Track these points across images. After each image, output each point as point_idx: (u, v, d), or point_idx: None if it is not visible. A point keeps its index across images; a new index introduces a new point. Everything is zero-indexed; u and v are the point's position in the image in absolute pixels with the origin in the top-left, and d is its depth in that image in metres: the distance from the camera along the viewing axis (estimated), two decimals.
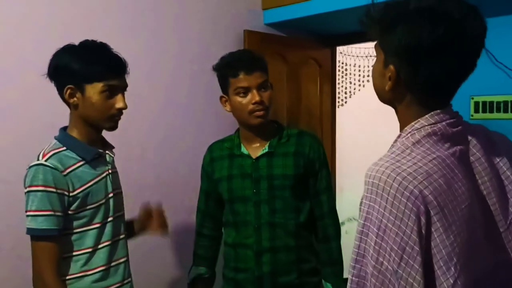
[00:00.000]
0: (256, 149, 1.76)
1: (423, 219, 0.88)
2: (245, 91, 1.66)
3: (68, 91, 1.43)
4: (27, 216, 1.39)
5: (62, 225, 1.40)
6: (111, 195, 1.54)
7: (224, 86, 1.73)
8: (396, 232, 0.88)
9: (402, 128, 1.03)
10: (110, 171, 1.55)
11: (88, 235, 1.47)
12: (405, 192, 0.88)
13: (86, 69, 1.41)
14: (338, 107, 3.89)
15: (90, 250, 1.47)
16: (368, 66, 4.46)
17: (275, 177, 1.72)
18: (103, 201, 1.50)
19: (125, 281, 1.57)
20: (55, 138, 1.49)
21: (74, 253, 1.46)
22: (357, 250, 0.94)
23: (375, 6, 1.01)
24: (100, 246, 1.49)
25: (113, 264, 1.53)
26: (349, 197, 3.65)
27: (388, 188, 0.89)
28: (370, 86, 5.12)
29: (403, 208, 0.88)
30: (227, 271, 1.83)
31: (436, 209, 0.89)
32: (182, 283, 2.52)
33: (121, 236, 1.59)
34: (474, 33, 0.93)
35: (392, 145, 1.02)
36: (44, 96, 1.98)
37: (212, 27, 2.69)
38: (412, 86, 0.99)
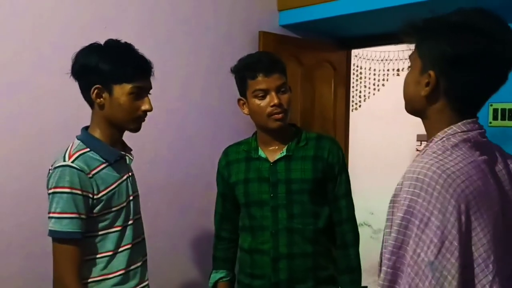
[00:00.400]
0: (273, 153, 1.72)
1: (463, 217, 0.94)
2: (264, 93, 1.64)
3: (96, 91, 1.41)
4: (51, 217, 1.37)
5: (85, 228, 1.39)
6: (131, 197, 1.52)
7: (242, 88, 1.70)
8: (438, 226, 0.93)
9: (431, 134, 1.10)
10: (130, 173, 1.54)
11: (109, 238, 1.45)
12: (449, 189, 0.95)
13: (116, 69, 1.40)
14: (352, 110, 3.86)
15: (110, 253, 1.45)
16: (383, 70, 4.41)
17: (293, 181, 1.68)
18: (125, 204, 1.48)
19: (143, 284, 1.56)
20: (78, 138, 1.47)
21: (95, 256, 1.44)
22: (393, 242, 0.97)
23: (417, 16, 1.10)
24: (120, 249, 1.47)
25: (132, 267, 1.51)
26: (361, 202, 3.60)
27: (434, 184, 0.95)
28: (385, 91, 5.10)
29: (447, 205, 0.94)
30: (242, 276, 1.79)
31: (474, 208, 0.96)
32: (196, 284, 2.53)
33: (140, 239, 1.57)
34: (510, 48, 1.02)
35: (424, 149, 1.08)
36: (57, 95, 2.00)
37: (227, 28, 2.68)
38: (449, 93, 1.05)
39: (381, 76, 4.41)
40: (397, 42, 3.56)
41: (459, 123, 1.05)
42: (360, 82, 4.34)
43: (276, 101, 1.62)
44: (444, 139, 1.05)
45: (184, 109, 2.51)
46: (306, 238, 1.68)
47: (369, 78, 4.39)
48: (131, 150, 1.58)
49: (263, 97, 1.64)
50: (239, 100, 1.74)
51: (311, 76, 3.13)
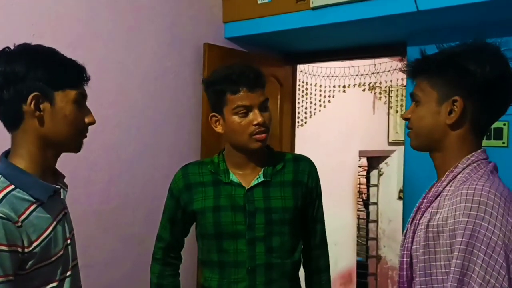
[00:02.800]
0: (247, 177, 1.53)
1: None
2: (246, 110, 1.45)
3: (34, 100, 1.10)
4: None
5: None
6: (68, 241, 1.22)
7: (219, 103, 1.49)
8: (505, 250, 0.94)
9: (448, 165, 1.12)
10: (66, 210, 1.24)
11: None
12: (509, 213, 0.97)
13: (56, 72, 1.13)
14: (298, 127, 3.82)
15: None
16: (329, 86, 4.43)
17: (273, 210, 1.51)
18: (62, 251, 1.18)
19: None
20: None
21: None
22: (460, 270, 0.96)
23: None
24: None
25: None
26: None
27: (497, 207, 0.97)
28: (331, 107, 5.12)
29: (510, 228, 0.96)
30: None
31: None
32: None
33: None
34: None
35: (453, 176, 1.10)
36: None
37: (169, 39, 2.57)
38: (475, 118, 1.10)
39: (327, 92, 4.42)
40: (343, 59, 3.59)
41: (479, 151, 1.11)
42: (306, 98, 4.33)
43: (260, 119, 1.45)
44: (475, 165, 1.09)
45: (122, 126, 2.35)
46: (284, 274, 1.54)
47: (315, 94, 4.39)
48: (63, 177, 1.27)
49: (245, 115, 1.45)
50: (212, 116, 1.53)
51: None
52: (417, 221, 1.12)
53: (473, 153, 1.11)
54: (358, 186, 5.84)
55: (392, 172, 5.73)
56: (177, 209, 1.60)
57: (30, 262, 1.08)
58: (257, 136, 1.46)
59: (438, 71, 1.13)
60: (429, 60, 1.15)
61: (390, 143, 5.48)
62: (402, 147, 3.77)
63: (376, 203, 5.89)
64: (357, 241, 5.63)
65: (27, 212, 1.09)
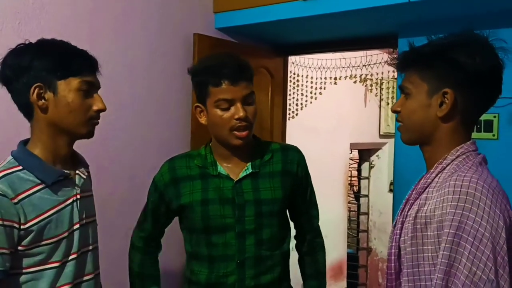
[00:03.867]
0: (235, 169, 1.50)
1: (506, 233, 0.96)
2: (228, 104, 1.41)
3: (36, 90, 1.17)
4: None
5: (8, 265, 1.13)
6: (76, 226, 1.25)
7: (202, 95, 1.46)
8: (492, 242, 0.94)
9: (437, 157, 1.11)
10: (78, 195, 1.27)
11: (42, 276, 1.18)
12: (497, 204, 0.97)
13: (59, 62, 1.19)
14: (289, 119, 3.81)
15: None
16: (321, 78, 4.41)
17: (263, 202, 1.48)
18: (66, 234, 1.22)
19: None
20: (12, 154, 1.22)
21: None
22: (447, 261, 0.96)
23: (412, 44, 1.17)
24: None
25: None
26: None
27: (485, 198, 0.97)
28: (322, 99, 5.10)
29: (497, 219, 0.96)
30: None
31: (510, 224, 0.99)
32: None
33: (86, 278, 1.29)
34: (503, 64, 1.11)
35: (442, 167, 1.09)
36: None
37: (159, 29, 2.53)
38: (466, 109, 1.10)
39: (318, 84, 4.40)
40: (334, 50, 3.58)
41: (468, 143, 1.11)
42: (297, 90, 4.31)
43: (241, 114, 1.40)
44: (464, 156, 1.08)
45: (109, 117, 2.30)
46: (274, 266, 1.51)
47: (306, 86, 4.37)
48: (86, 165, 1.35)
49: (227, 109, 1.41)
50: (196, 107, 1.51)
51: None
52: (406, 213, 1.12)
53: (462, 144, 1.11)
54: (349, 178, 5.84)
55: (383, 164, 5.74)
56: (160, 203, 1.58)
57: (26, 239, 1.15)
58: (236, 132, 1.42)
59: (428, 63, 1.12)
60: (418, 52, 1.14)
61: (381, 136, 5.48)
62: (393, 140, 3.76)
63: (367, 196, 5.91)
64: (348, 233, 5.65)
65: (29, 192, 1.16)
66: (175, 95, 2.64)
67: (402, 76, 1.20)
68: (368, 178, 5.90)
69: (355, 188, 6.34)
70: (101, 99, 1.27)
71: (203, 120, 1.49)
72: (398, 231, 1.13)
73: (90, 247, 1.33)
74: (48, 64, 1.19)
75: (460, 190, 0.99)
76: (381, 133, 5.47)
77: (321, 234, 1.70)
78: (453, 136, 1.11)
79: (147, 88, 2.48)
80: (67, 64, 1.20)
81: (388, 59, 1.27)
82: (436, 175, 1.10)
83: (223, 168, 1.51)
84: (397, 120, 1.21)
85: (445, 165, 1.10)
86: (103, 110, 1.27)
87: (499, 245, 0.94)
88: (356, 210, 6.07)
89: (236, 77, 1.41)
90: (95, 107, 1.26)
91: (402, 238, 1.10)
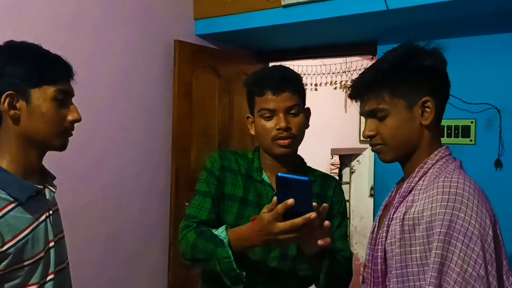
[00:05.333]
0: None
1: (492, 231, 1.00)
2: (271, 114, 1.42)
3: (8, 99, 1.08)
4: None
5: None
6: (51, 244, 1.17)
7: (250, 105, 1.50)
8: (481, 239, 0.97)
9: (417, 164, 1.14)
10: (50, 211, 1.18)
11: None
12: (483, 203, 1.01)
13: (33, 69, 1.10)
14: None
15: None
16: None
17: None
18: (42, 254, 1.13)
19: None
20: None
21: None
22: (439, 260, 0.98)
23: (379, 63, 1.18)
24: None
25: None
26: None
27: (472, 198, 1.00)
28: None
29: (485, 218, 0.99)
30: None
31: (497, 223, 1.04)
32: None
33: None
34: None
35: (424, 171, 1.12)
36: None
37: (138, 35, 2.52)
38: (441, 115, 1.15)
39: None
40: (314, 57, 3.60)
41: (444, 148, 1.15)
42: None
43: (283, 124, 1.40)
44: (444, 160, 1.12)
45: (89, 123, 2.29)
46: (291, 286, 1.48)
47: None
48: (53, 178, 1.25)
49: (270, 118, 1.43)
50: (247, 117, 1.53)
51: (229, 88, 3.04)
52: (391, 216, 1.13)
53: (439, 149, 1.14)
54: None
55: (364, 169, 5.78)
56: (217, 185, 1.49)
57: (4, 263, 1.04)
58: (279, 141, 1.43)
59: (400, 79, 1.12)
60: (384, 71, 1.14)
61: (361, 141, 5.53)
62: None
63: (348, 201, 5.94)
64: None
65: (3, 211, 1.05)
66: (155, 102, 2.63)
67: (360, 101, 1.19)
68: (349, 183, 5.94)
69: None
70: (76, 109, 1.19)
71: (252, 131, 1.52)
72: (384, 234, 1.14)
73: (65, 264, 1.25)
74: (21, 71, 1.10)
75: (449, 191, 1.01)
76: (361, 139, 5.51)
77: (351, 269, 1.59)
78: (432, 141, 1.15)
79: (127, 95, 2.46)
80: (42, 71, 1.12)
81: (349, 92, 1.23)
82: (420, 178, 1.12)
83: (267, 176, 1.51)
84: (373, 143, 1.20)
85: (426, 169, 1.12)
86: (79, 120, 1.19)
87: (487, 243, 0.98)
88: None
89: (279, 87, 1.42)
90: (70, 117, 1.17)
91: (388, 241, 1.12)
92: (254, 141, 3.22)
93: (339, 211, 1.58)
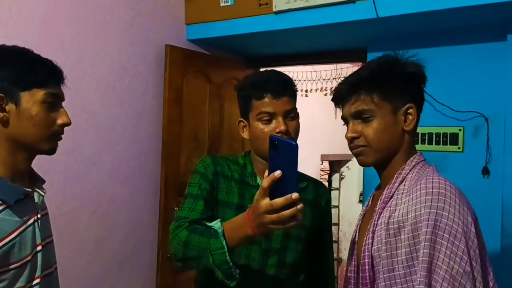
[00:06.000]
0: None
1: (474, 228, 1.03)
2: (270, 117, 1.43)
3: None
4: None
5: None
6: (39, 247, 1.16)
7: (245, 109, 1.49)
8: (465, 237, 1.00)
9: (396, 169, 1.17)
10: (39, 215, 1.17)
11: None
12: (464, 202, 1.05)
13: (23, 72, 1.10)
14: None
15: None
16: None
17: None
18: (29, 257, 1.12)
19: None
20: None
21: None
22: (427, 259, 1.01)
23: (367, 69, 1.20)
24: None
25: None
26: None
27: (454, 197, 1.03)
28: None
29: (466, 216, 1.03)
30: None
31: (477, 220, 1.08)
32: None
33: None
34: None
35: (402, 177, 1.15)
36: None
37: (129, 40, 2.51)
38: (419, 118, 1.18)
39: None
40: (305, 63, 3.62)
41: (418, 154, 1.19)
42: None
43: (283, 127, 1.41)
44: (421, 165, 1.16)
45: (79, 127, 2.28)
46: None
47: None
48: (43, 182, 1.25)
49: (269, 122, 1.43)
50: (239, 121, 1.53)
51: (219, 94, 3.04)
52: (375, 222, 1.14)
53: (415, 155, 1.18)
54: None
55: (353, 175, 5.80)
56: (211, 189, 1.48)
57: None
58: None
59: (392, 83, 1.15)
60: (375, 73, 1.17)
61: None
62: None
63: (337, 206, 5.96)
64: None
65: None
66: (146, 106, 2.62)
67: (350, 102, 1.19)
68: (338, 189, 5.96)
69: None
70: (66, 113, 1.18)
71: (245, 134, 1.51)
72: (369, 241, 1.15)
73: (52, 268, 1.24)
74: (11, 74, 1.10)
75: (432, 191, 1.04)
76: None
77: (334, 280, 1.67)
78: (410, 147, 1.19)
79: (117, 99, 2.45)
80: (32, 74, 1.11)
81: (334, 92, 1.25)
82: (399, 183, 1.15)
83: (261, 181, 1.47)
84: (355, 145, 1.20)
85: (405, 174, 1.15)
86: (68, 124, 1.19)
87: (470, 240, 1.01)
88: None
89: (279, 91, 1.43)
90: (59, 121, 1.16)
91: (375, 247, 1.13)
92: (244, 146, 3.22)
93: (328, 220, 1.62)
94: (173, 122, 2.73)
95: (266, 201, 1.12)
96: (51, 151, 1.18)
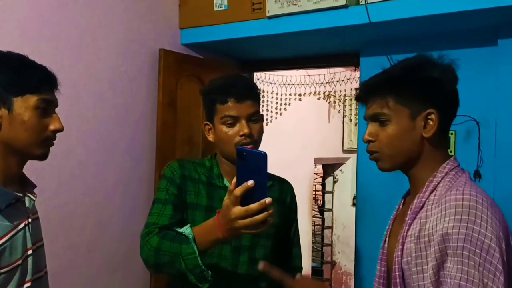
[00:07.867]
0: None
1: (505, 243, 0.99)
2: (233, 120, 1.48)
3: None
4: None
5: None
6: (30, 252, 1.17)
7: (210, 112, 1.54)
8: (499, 252, 0.96)
9: (424, 178, 1.13)
10: (30, 219, 1.18)
11: None
12: (496, 216, 1.00)
13: (16, 77, 1.11)
14: None
15: None
16: (286, 94, 4.48)
17: None
18: (20, 261, 1.13)
19: None
20: None
21: None
22: (460, 275, 0.96)
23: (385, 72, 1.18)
24: None
25: None
26: None
27: (486, 210, 0.99)
28: (287, 115, 5.14)
29: (499, 231, 0.98)
30: None
31: (510, 235, 1.03)
32: None
33: None
34: None
35: (434, 185, 1.11)
36: None
37: (123, 44, 2.52)
38: (446, 127, 1.14)
39: (283, 100, 4.46)
40: (298, 67, 3.64)
41: (452, 159, 1.14)
42: (263, 106, 4.35)
43: (246, 130, 1.47)
44: (453, 172, 1.11)
45: (72, 131, 2.28)
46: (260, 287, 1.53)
47: (272, 102, 4.42)
48: (34, 186, 1.26)
49: (232, 125, 1.48)
50: (205, 124, 1.57)
51: None
52: (405, 234, 1.11)
53: (448, 161, 1.13)
54: (314, 192, 5.91)
55: (347, 179, 5.83)
56: (179, 193, 1.52)
57: None
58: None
59: (407, 87, 1.12)
60: (392, 77, 1.14)
61: (344, 151, 5.58)
62: (356, 155, 3.85)
63: (331, 210, 5.98)
64: (312, 247, 5.69)
65: None
66: (139, 110, 2.62)
67: (366, 105, 1.18)
68: (332, 192, 5.98)
69: (320, 202, 6.41)
70: (59, 118, 1.19)
71: (211, 137, 1.56)
72: (399, 253, 1.11)
73: (42, 272, 1.25)
74: (3, 79, 1.11)
75: (462, 204, 1.00)
76: (344, 148, 5.57)
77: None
78: (437, 154, 1.13)
79: (111, 103, 2.45)
80: (25, 80, 1.12)
81: (354, 91, 1.26)
82: (430, 193, 1.11)
83: (228, 182, 1.54)
84: (370, 150, 1.18)
85: (436, 183, 1.11)
86: (61, 130, 1.20)
87: (501, 255, 0.96)
88: (320, 224, 6.12)
89: (242, 95, 1.48)
90: (52, 127, 1.17)
91: (405, 259, 1.09)
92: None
93: (294, 217, 1.66)
94: (167, 126, 2.74)
95: (238, 208, 1.17)
96: (43, 156, 1.20)
